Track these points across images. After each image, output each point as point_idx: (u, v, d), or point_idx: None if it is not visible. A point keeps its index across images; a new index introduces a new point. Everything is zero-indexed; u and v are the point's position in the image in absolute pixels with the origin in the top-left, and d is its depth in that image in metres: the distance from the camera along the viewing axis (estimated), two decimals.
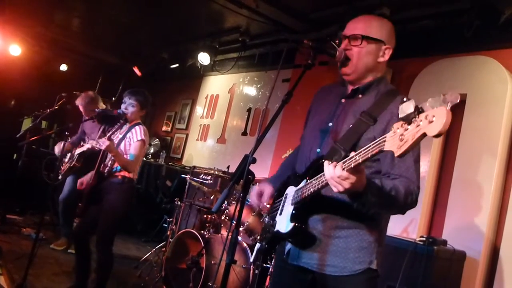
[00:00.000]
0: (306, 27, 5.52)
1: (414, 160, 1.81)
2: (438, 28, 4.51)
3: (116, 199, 3.54)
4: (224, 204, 4.25)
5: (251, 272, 3.98)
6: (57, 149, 4.84)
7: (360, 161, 1.52)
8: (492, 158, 3.81)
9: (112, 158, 3.57)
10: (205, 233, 4.12)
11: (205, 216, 4.68)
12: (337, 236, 1.85)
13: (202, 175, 5.59)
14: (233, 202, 4.34)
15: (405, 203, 1.77)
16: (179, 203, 5.22)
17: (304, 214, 1.87)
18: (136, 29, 7.45)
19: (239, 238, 4.18)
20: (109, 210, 3.52)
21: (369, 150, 1.48)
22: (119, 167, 3.58)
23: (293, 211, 1.87)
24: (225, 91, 7.85)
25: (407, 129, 1.34)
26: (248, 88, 7.35)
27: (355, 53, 1.90)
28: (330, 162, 1.60)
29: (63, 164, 4.79)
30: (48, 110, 5.32)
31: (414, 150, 1.77)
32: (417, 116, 1.31)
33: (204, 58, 6.93)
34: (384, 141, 1.42)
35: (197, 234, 4.04)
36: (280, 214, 2.00)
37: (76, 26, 8.10)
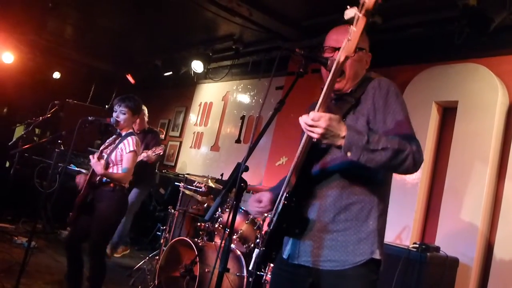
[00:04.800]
0: (299, 34, 5.56)
1: (405, 118, 1.82)
2: (429, 36, 4.56)
3: (107, 207, 3.53)
4: (217, 212, 4.24)
5: (245, 280, 3.96)
6: None
7: (325, 89, 1.61)
8: (483, 165, 3.84)
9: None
10: (199, 241, 4.10)
11: (198, 224, 4.66)
12: (335, 230, 1.85)
13: (195, 183, 5.58)
14: (226, 210, 4.33)
15: (404, 149, 1.68)
16: (172, 211, 5.20)
17: (296, 197, 1.86)
18: (129, 36, 7.46)
19: (233, 246, 4.17)
20: (100, 218, 3.51)
21: (329, 77, 1.62)
22: None
23: (286, 195, 1.87)
24: (219, 99, 7.86)
25: (352, 29, 1.52)
26: (242, 95, 7.36)
27: (348, 65, 1.90)
28: None
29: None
30: (41, 117, 5.29)
31: (402, 108, 1.84)
32: (359, 12, 1.50)
33: (197, 65, 6.95)
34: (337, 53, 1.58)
35: (191, 242, 4.02)
36: (276, 210, 1.99)
37: (69, 33, 8.10)
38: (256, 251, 2.07)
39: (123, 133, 3.73)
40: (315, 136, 1.61)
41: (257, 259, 2.03)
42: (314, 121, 1.59)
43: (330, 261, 1.84)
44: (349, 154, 1.63)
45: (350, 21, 1.54)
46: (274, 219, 1.95)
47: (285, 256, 1.99)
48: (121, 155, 3.62)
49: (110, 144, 3.70)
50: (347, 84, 1.94)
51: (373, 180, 1.88)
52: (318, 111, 1.63)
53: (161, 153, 4.95)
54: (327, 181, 1.88)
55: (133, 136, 3.69)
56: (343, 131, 1.62)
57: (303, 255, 1.90)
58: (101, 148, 3.66)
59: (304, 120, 1.62)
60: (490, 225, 3.84)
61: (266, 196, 2.13)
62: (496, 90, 3.91)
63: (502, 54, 4.09)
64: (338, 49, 1.91)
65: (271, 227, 1.99)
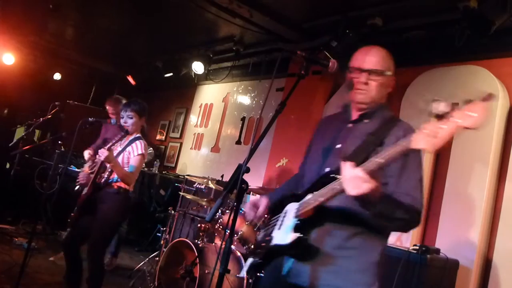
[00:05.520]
0: (300, 36, 5.55)
1: (419, 179, 1.84)
2: (429, 38, 4.56)
3: (110, 208, 3.53)
4: (218, 213, 4.24)
5: (245, 281, 3.96)
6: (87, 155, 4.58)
7: (382, 161, 1.55)
8: (484, 167, 3.84)
9: (110, 169, 3.55)
10: (199, 242, 4.10)
11: (199, 225, 4.66)
12: (340, 256, 1.85)
13: (196, 184, 5.57)
14: (227, 211, 4.33)
15: (409, 219, 1.78)
16: (172, 212, 5.20)
17: (307, 226, 1.86)
18: (130, 38, 7.46)
19: (233, 247, 4.16)
20: (102, 219, 3.50)
21: (391, 150, 1.53)
22: (115, 178, 3.57)
23: (298, 222, 1.86)
24: (219, 100, 7.87)
25: (440, 126, 1.40)
26: (242, 97, 7.37)
27: (374, 87, 1.96)
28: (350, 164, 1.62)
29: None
30: (41, 119, 5.29)
31: (419, 168, 1.85)
32: (451, 114, 1.38)
33: (198, 67, 6.95)
34: (411, 139, 1.47)
35: (191, 243, 4.02)
36: (279, 228, 1.98)
37: (70, 35, 8.10)
38: (250, 259, 2.06)
39: (131, 137, 3.73)
40: (353, 192, 1.59)
41: (250, 268, 2.03)
42: (360, 181, 1.57)
43: (329, 286, 1.84)
44: (367, 212, 1.70)
45: (439, 116, 1.41)
46: (274, 240, 1.94)
47: (284, 272, 1.98)
48: (128, 158, 3.63)
49: (117, 142, 3.67)
50: (370, 102, 1.98)
51: None
52: (365, 171, 1.59)
53: None
54: (338, 211, 1.87)
55: (141, 140, 3.70)
56: (373, 200, 1.64)
57: (303, 275, 1.90)
58: (109, 145, 3.60)
59: (352, 174, 1.59)
60: (490, 227, 3.83)
61: (262, 203, 2.14)
62: (497, 92, 3.91)
63: (503, 56, 4.10)
64: (366, 70, 1.95)
65: (270, 244, 1.99)
